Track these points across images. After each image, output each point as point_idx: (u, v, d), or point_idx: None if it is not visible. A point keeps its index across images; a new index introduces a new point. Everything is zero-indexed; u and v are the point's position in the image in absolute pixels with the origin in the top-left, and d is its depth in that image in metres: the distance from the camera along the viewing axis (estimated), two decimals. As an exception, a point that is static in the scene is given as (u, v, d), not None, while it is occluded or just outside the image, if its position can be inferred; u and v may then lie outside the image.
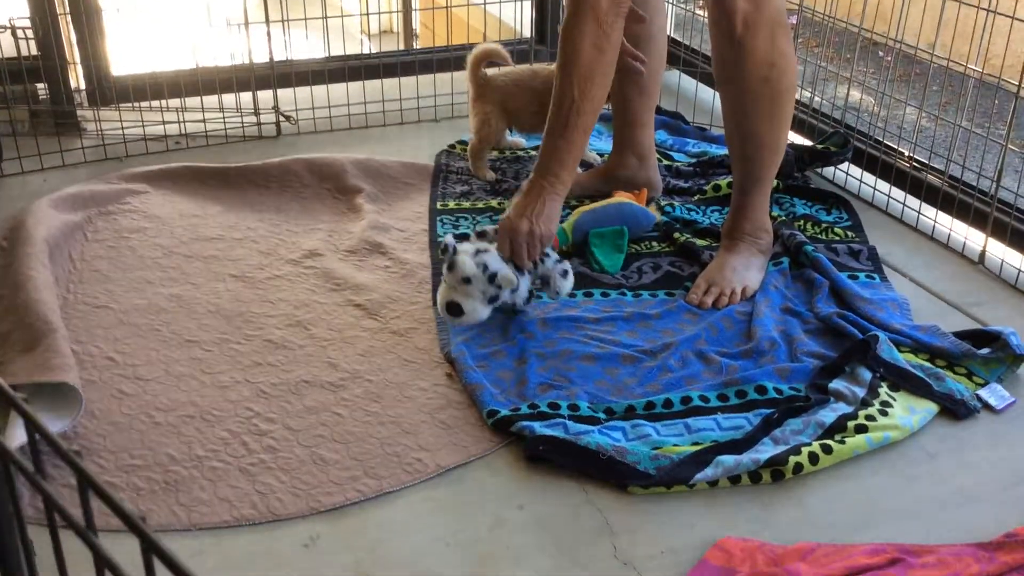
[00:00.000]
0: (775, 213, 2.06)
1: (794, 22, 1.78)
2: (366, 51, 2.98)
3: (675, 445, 1.42)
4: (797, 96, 1.82)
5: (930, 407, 1.52)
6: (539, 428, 1.43)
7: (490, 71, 2.24)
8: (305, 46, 2.75)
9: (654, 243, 2.00)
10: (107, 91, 2.53)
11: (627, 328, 1.72)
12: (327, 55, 2.67)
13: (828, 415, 1.47)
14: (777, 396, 1.53)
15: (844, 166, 2.28)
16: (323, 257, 1.94)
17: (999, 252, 1.95)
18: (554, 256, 1.72)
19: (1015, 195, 1.96)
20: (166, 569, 0.48)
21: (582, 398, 1.52)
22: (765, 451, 1.40)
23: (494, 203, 2.16)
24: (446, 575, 1.23)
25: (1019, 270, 1.88)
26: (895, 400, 1.51)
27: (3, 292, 1.74)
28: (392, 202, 2.19)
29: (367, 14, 3.06)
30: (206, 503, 1.32)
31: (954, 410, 1.51)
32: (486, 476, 1.39)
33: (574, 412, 1.49)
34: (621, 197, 2.02)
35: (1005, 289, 1.89)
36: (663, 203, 2.14)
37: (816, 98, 2.46)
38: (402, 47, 3.28)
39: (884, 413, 1.48)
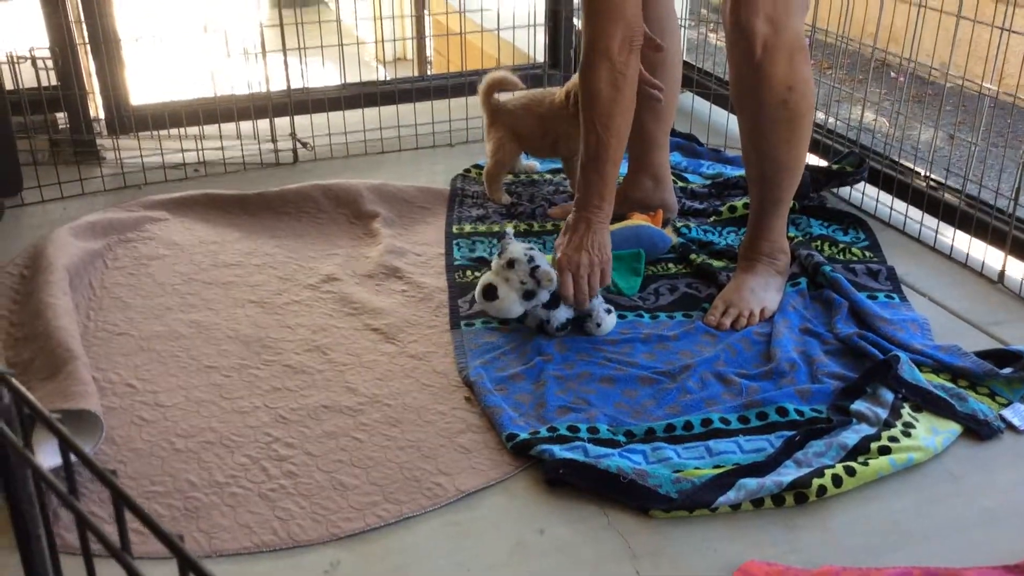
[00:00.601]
0: (792, 234, 2.06)
1: (807, 43, 1.78)
2: (381, 78, 3.00)
3: (697, 468, 1.41)
4: (813, 119, 1.82)
5: (953, 428, 1.50)
6: (559, 451, 1.42)
7: (503, 96, 2.25)
8: (321, 74, 2.78)
9: (671, 265, 2.00)
10: (126, 120, 2.56)
11: (645, 350, 1.71)
12: (343, 82, 2.69)
13: (851, 437, 1.46)
14: (798, 418, 1.52)
15: (860, 186, 2.27)
16: (340, 282, 1.94)
17: (1019, 271, 1.94)
18: (600, 294, 1.77)
19: (1034, 213, 1.95)
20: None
21: (602, 421, 1.51)
22: (788, 474, 1.39)
23: (509, 226, 2.16)
24: (468, 600, 1.22)
25: (1040, 289, 1.87)
26: (918, 421, 1.50)
27: (24, 320, 1.75)
28: (408, 226, 2.20)
29: (382, 41, 3.09)
30: (227, 529, 1.32)
31: (977, 431, 1.50)
32: (506, 500, 1.39)
33: (594, 435, 1.48)
34: (637, 219, 2.02)
35: (1026, 308, 1.87)
36: (679, 224, 2.14)
37: (830, 119, 2.46)
38: (416, 74, 3.30)
39: (907, 434, 1.46)
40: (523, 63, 2.97)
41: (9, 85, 2.32)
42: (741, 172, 2.30)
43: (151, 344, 1.74)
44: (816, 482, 1.36)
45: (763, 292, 1.82)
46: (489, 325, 1.78)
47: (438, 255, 2.06)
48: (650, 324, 1.80)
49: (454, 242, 2.10)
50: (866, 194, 2.26)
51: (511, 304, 1.69)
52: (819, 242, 2.05)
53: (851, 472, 1.39)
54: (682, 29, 2.81)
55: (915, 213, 2.16)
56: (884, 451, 1.43)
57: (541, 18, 2.89)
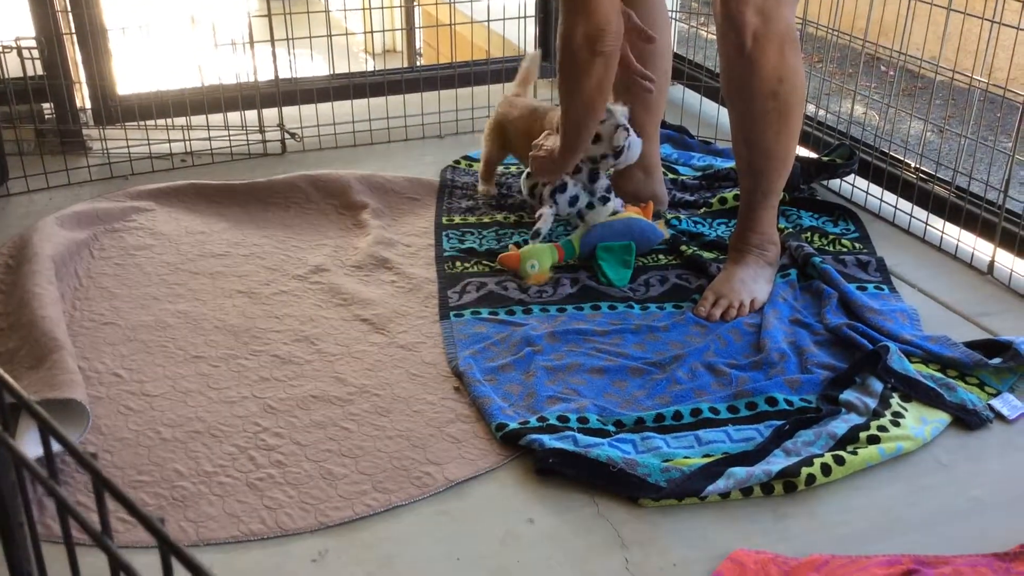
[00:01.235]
0: (782, 225, 2.06)
1: (797, 35, 1.78)
2: (370, 69, 2.99)
3: (686, 457, 1.41)
4: (803, 110, 1.82)
5: (942, 417, 1.51)
6: (548, 441, 1.42)
7: (514, 98, 2.22)
8: (309, 65, 2.76)
9: (661, 256, 1.99)
10: (112, 110, 2.54)
11: (635, 340, 1.71)
12: (331, 73, 2.68)
13: (840, 426, 1.46)
14: (788, 407, 1.52)
15: (850, 178, 2.28)
16: (329, 272, 1.93)
17: (1008, 262, 1.95)
18: (594, 187, 1.98)
19: (1023, 205, 1.96)
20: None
21: (591, 411, 1.51)
22: (777, 463, 1.39)
23: (500, 217, 2.16)
24: (457, 589, 1.22)
25: (1028, 280, 1.87)
26: (907, 411, 1.50)
27: (9, 309, 1.74)
28: (397, 217, 2.19)
29: (371, 32, 3.07)
30: (214, 518, 1.31)
31: (966, 420, 1.50)
32: (495, 490, 1.38)
33: (583, 425, 1.48)
34: (629, 212, 2.02)
35: (1014, 299, 1.88)
36: (669, 216, 2.14)
37: (821, 112, 2.46)
38: (406, 65, 3.29)
39: (896, 424, 1.47)
40: (513, 55, 2.96)
41: (-6, 74, 2.30)
42: (731, 164, 2.30)
43: (137, 334, 1.73)
44: (805, 471, 1.36)
45: (753, 283, 1.81)
46: (479, 316, 1.77)
47: (427, 246, 2.05)
48: (640, 315, 1.80)
49: (443, 233, 2.09)
50: (856, 186, 2.26)
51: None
52: (809, 233, 2.05)
53: (840, 461, 1.39)
54: (673, 21, 2.80)
55: (905, 205, 2.16)
56: (873, 440, 1.43)
57: (532, 10, 2.88)
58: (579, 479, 1.37)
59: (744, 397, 1.54)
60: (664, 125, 2.46)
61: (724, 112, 2.01)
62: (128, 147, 2.42)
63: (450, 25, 2.81)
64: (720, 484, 1.34)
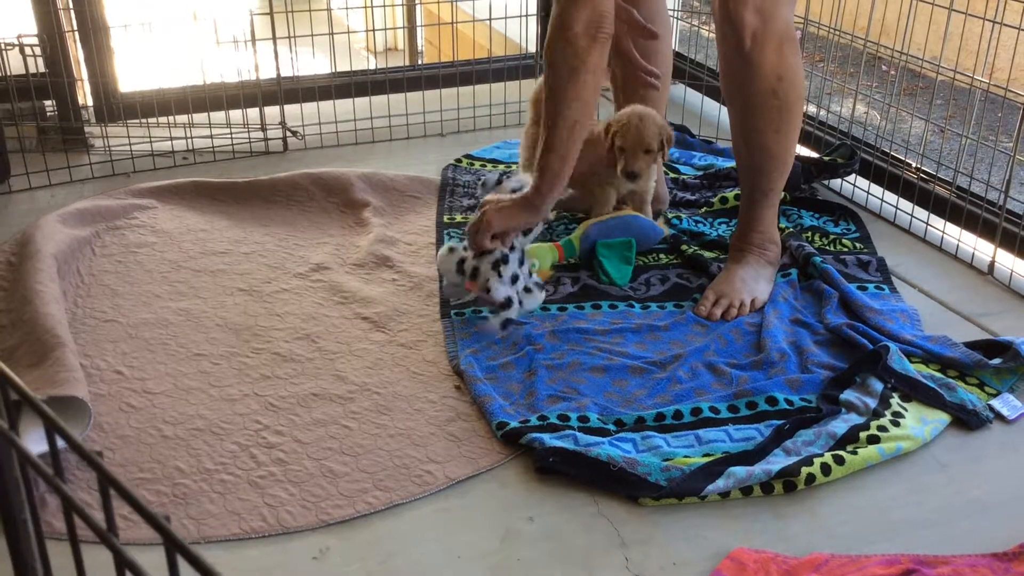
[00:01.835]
0: (783, 225, 2.06)
1: (798, 36, 1.78)
2: (372, 67, 2.99)
3: (686, 456, 1.42)
4: (803, 109, 1.82)
5: (942, 417, 1.51)
6: (549, 440, 1.42)
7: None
8: (311, 63, 2.76)
9: (662, 255, 1.99)
10: (114, 107, 2.54)
11: (636, 340, 1.71)
12: (333, 71, 2.68)
13: (840, 426, 1.46)
14: (788, 407, 1.52)
15: (851, 178, 2.28)
16: (330, 271, 1.93)
17: (1008, 263, 1.95)
18: (524, 270, 1.74)
19: None
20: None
21: (592, 410, 1.51)
22: (777, 462, 1.39)
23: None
24: (457, 587, 1.22)
25: (1029, 280, 1.88)
26: (907, 411, 1.50)
27: (11, 306, 1.74)
28: (399, 215, 2.19)
29: (373, 30, 3.08)
30: (216, 516, 1.32)
31: (966, 420, 1.50)
32: (496, 488, 1.38)
33: (584, 424, 1.48)
34: (629, 210, 2.02)
35: (1015, 299, 1.88)
36: (670, 215, 2.14)
37: (822, 111, 2.46)
38: (407, 63, 3.29)
39: (896, 424, 1.47)
40: (515, 53, 2.96)
41: (-3, 71, 2.30)
42: (732, 163, 2.30)
43: (139, 331, 1.73)
44: (805, 471, 1.37)
45: (754, 283, 1.82)
46: (480, 314, 1.77)
47: (428, 244, 2.05)
48: (641, 314, 1.80)
49: (445, 232, 2.09)
50: (857, 186, 2.26)
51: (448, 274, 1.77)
52: (810, 233, 2.05)
53: (840, 461, 1.39)
54: (674, 20, 2.80)
55: (906, 205, 2.17)
56: (873, 440, 1.43)
57: (533, 8, 2.88)
58: (579, 478, 1.38)
59: (744, 396, 1.54)
60: (665, 124, 2.46)
61: (725, 111, 2.01)
62: (130, 144, 2.42)
63: (452, 23, 2.81)
64: (720, 483, 1.35)
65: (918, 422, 1.49)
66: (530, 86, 2.81)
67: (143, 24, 2.45)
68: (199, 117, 2.52)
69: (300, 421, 1.50)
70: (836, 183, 2.32)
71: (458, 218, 2.15)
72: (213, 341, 1.71)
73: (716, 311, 1.78)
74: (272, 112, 2.54)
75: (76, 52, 2.49)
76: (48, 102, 2.47)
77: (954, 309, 1.84)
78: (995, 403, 1.54)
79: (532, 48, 2.95)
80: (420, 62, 3.53)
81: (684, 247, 1.99)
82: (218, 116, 2.51)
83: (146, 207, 2.17)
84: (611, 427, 1.48)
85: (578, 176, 1.95)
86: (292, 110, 2.56)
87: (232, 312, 1.80)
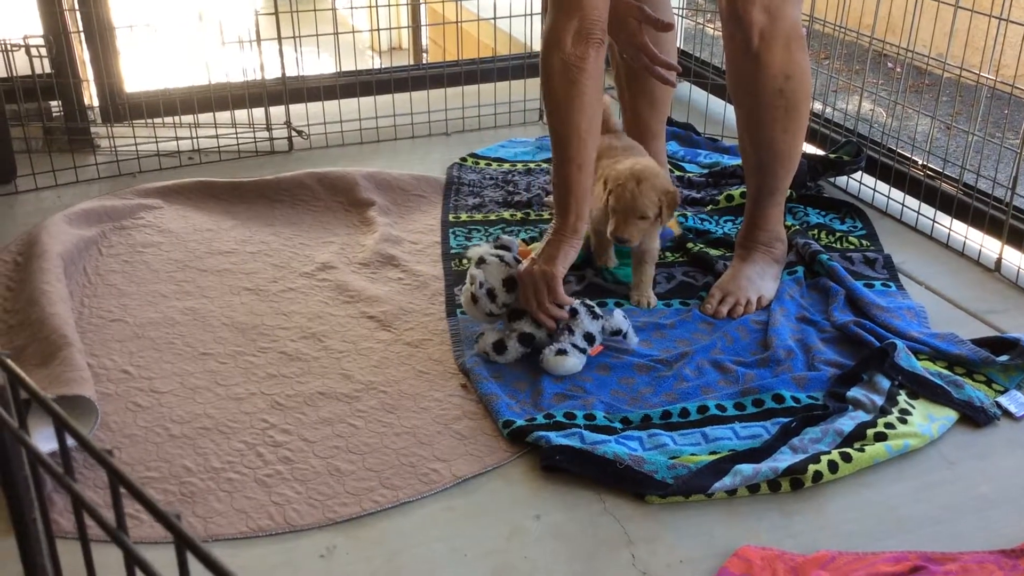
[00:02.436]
0: (789, 222, 2.06)
1: (804, 31, 1.78)
2: (376, 67, 2.99)
3: (693, 454, 1.41)
4: (810, 107, 1.82)
5: (950, 415, 1.50)
6: (555, 438, 1.42)
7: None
8: (316, 62, 2.77)
9: (667, 253, 1.99)
10: (120, 108, 2.55)
11: (642, 337, 1.71)
12: (338, 70, 2.68)
13: (847, 423, 1.46)
14: (795, 405, 1.52)
15: (857, 175, 2.27)
16: (336, 270, 1.94)
17: (1015, 259, 1.94)
18: (600, 321, 1.62)
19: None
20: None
21: (598, 408, 1.51)
22: (784, 460, 1.39)
23: (506, 215, 2.16)
24: (464, 586, 1.22)
25: (1036, 277, 1.87)
26: (914, 408, 1.50)
27: (19, 307, 1.75)
28: (404, 214, 2.19)
29: (378, 30, 3.08)
30: (223, 514, 1.32)
31: (974, 417, 1.50)
32: (502, 486, 1.39)
33: (590, 422, 1.48)
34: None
35: (1022, 296, 1.87)
36: (675, 214, 2.14)
37: (828, 109, 2.45)
38: (412, 63, 3.29)
39: (903, 421, 1.47)
40: (519, 52, 2.96)
41: (3, 73, 2.31)
42: (738, 161, 2.30)
43: (146, 331, 1.74)
44: (812, 468, 1.36)
45: (760, 280, 1.81)
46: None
47: (434, 243, 2.05)
48: (646, 312, 1.80)
49: (450, 230, 2.09)
50: (863, 183, 2.26)
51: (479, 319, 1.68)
52: (816, 231, 2.04)
53: (847, 458, 1.39)
54: (678, 19, 2.80)
55: (912, 202, 2.16)
56: (880, 437, 1.43)
57: (537, 7, 2.88)
58: (586, 476, 1.38)
59: (751, 394, 1.54)
60: (670, 122, 2.46)
61: (731, 109, 2.01)
62: (136, 145, 2.42)
63: (456, 23, 2.81)
64: (727, 481, 1.35)
65: (925, 419, 1.48)
66: (534, 85, 2.82)
67: (148, 24, 2.45)
68: (205, 117, 2.53)
69: (307, 420, 1.50)
70: (842, 180, 2.31)
71: (463, 217, 2.15)
72: (220, 340, 1.71)
73: (722, 309, 1.77)
74: (277, 112, 2.54)
75: (82, 53, 2.50)
76: (54, 103, 2.48)
77: (961, 306, 1.84)
78: (1002, 400, 1.54)
79: (536, 47, 2.95)
80: (424, 61, 3.53)
81: (690, 245, 1.98)
82: (223, 116, 2.51)
83: (152, 207, 2.17)
84: (617, 425, 1.48)
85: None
86: (297, 110, 2.57)
87: (238, 311, 1.80)
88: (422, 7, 3.94)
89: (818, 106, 2.46)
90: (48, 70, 2.37)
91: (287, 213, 2.19)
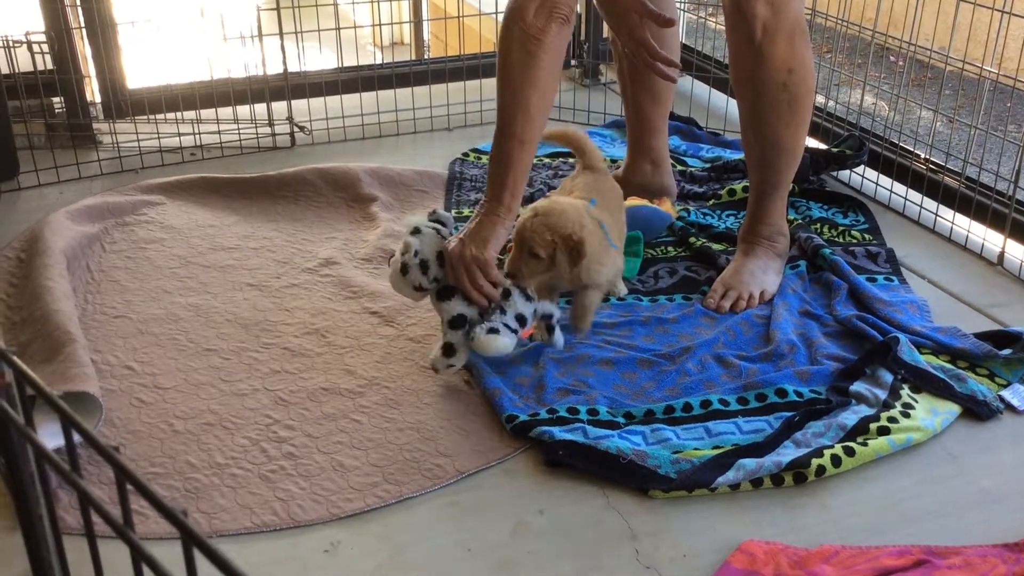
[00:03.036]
0: (791, 216, 2.05)
1: (807, 25, 1.78)
2: (378, 62, 2.99)
3: (696, 449, 1.42)
4: (813, 101, 1.82)
5: (952, 408, 1.51)
6: (558, 433, 1.42)
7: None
8: (318, 58, 2.76)
9: (670, 248, 1.99)
10: (122, 104, 2.55)
11: (644, 332, 1.71)
12: (340, 66, 2.68)
13: (850, 417, 1.46)
14: (797, 399, 1.52)
15: (860, 169, 2.27)
16: (339, 265, 1.94)
17: (1018, 253, 1.94)
18: (533, 304, 1.56)
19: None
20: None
21: (601, 402, 1.51)
22: (787, 454, 1.39)
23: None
24: (468, 580, 1.22)
25: (1039, 271, 1.87)
26: (917, 402, 1.50)
27: (22, 303, 1.75)
28: (407, 210, 2.19)
29: (379, 25, 3.07)
30: (227, 510, 1.32)
31: (977, 411, 1.50)
32: (506, 481, 1.39)
33: (593, 417, 1.48)
34: (634, 201, 2.02)
35: (1025, 290, 1.88)
36: (678, 208, 2.14)
37: (830, 103, 2.45)
38: (414, 58, 3.29)
39: (906, 415, 1.47)
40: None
41: (5, 69, 2.31)
42: (740, 155, 2.30)
43: (149, 327, 1.74)
44: (815, 462, 1.37)
45: (762, 275, 1.81)
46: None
47: (437, 238, 2.05)
48: (649, 307, 1.80)
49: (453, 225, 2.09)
50: (866, 177, 2.26)
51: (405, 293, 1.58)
52: (819, 225, 2.04)
53: (850, 452, 1.39)
54: (680, 13, 2.80)
55: (915, 196, 2.16)
56: (883, 432, 1.43)
57: (539, 1, 2.87)
58: (589, 471, 1.38)
59: (754, 389, 1.54)
60: (672, 117, 2.45)
61: (733, 103, 2.01)
62: (138, 141, 2.42)
63: (458, 17, 2.81)
64: (730, 475, 1.35)
65: (928, 413, 1.48)
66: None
67: (150, 20, 2.45)
68: (207, 113, 2.53)
69: (310, 415, 1.51)
70: (845, 174, 2.31)
71: (466, 212, 2.15)
72: (223, 336, 1.71)
73: (725, 303, 1.77)
74: (279, 107, 2.54)
75: (84, 49, 2.50)
76: (56, 99, 2.47)
77: (964, 300, 1.84)
78: (1005, 394, 1.54)
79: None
80: (426, 56, 3.53)
81: (692, 239, 1.98)
82: (226, 112, 2.51)
83: (155, 203, 2.17)
84: (620, 420, 1.49)
85: None
86: (299, 105, 2.57)
87: (242, 307, 1.80)
88: (424, 2, 3.94)
89: (820, 100, 2.46)
90: (50, 66, 2.37)
91: (290, 209, 2.19)
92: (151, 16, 2.44)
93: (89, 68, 2.52)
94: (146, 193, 2.21)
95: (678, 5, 2.33)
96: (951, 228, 2.06)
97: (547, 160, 2.42)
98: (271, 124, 2.53)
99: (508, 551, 1.26)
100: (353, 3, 3.06)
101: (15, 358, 0.66)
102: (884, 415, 1.46)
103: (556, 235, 1.53)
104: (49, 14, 2.34)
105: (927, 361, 1.58)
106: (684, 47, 2.83)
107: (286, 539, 1.29)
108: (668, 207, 2.06)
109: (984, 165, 2.04)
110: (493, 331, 1.51)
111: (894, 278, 1.88)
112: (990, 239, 2.00)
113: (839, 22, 2.32)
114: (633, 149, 2.16)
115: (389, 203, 2.19)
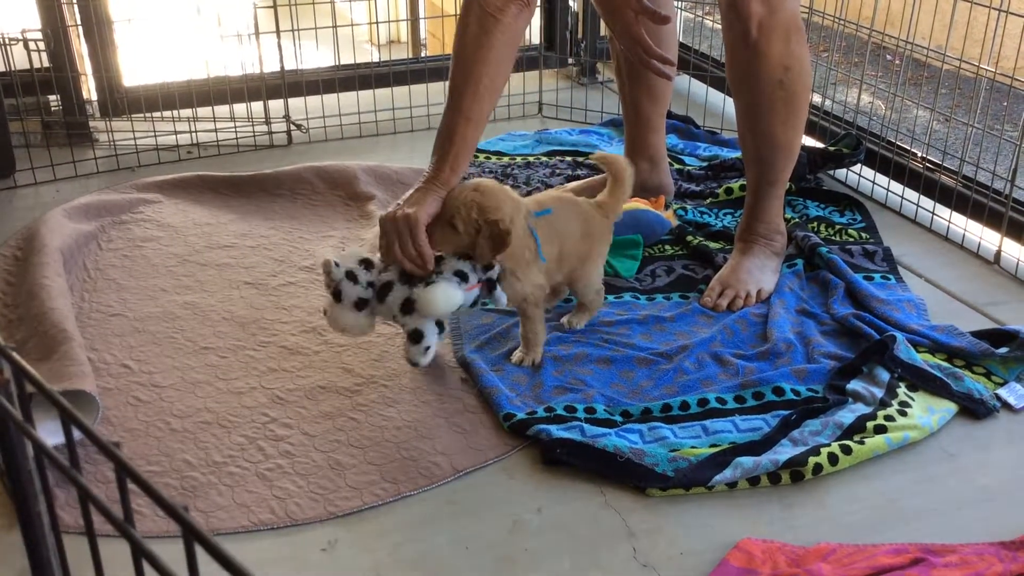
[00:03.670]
0: (788, 215, 2.06)
1: (803, 23, 1.78)
2: (375, 60, 2.99)
3: (693, 447, 1.42)
4: (809, 99, 1.82)
5: (949, 407, 1.51)
6: (556, 431, 1.42)
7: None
8: (315, 56, 2.76)
9: (667, 246, 1.99)
10: (119, 102, 2.54)
11: (642, 331, 1.71)
12: (337, 64, 2.68)
13: (847, 416, 1.46)
14: (794, 397, 1.53)
15: (856, 167, 2.27)
16: (336, 264, 1.93)
17: (1015, 251, 1.95)
18: (467, 262, 1.49)
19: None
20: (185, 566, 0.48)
21: (598, 401, 1.51)
22: (784, 452, 1.39)
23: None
24: (466, 578, 1.22)
25: (1035, 269, 1.87)
26: (914, 400, 1.50)
27: (18, 301, 1.75)
28: (404, 209, 2.18)
29: (376, 23, 3.07)
30: (224, 508, 1.32)
31: (973, 410, 1.50)
32: (503, 479, 1.39)
33: (591, 415, 1.48)
34: (636, 203, 2.02)
35: (1021, 288, 1.88)
36: (675, 207, 2.14)
37: (827, 101, 2.45)
38: (411, 56, 3.29)
39: (903, 413, 1.47)
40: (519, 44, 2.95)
41: (1, 67, 2.30)
42: (738, 154, 2.30)
43: (146, 325, 1.74)
44: (812, 460, 1.37)
45: (760, 273, 1.82)
46: (485, 307, 1.77)
47: (434, 237, 2.05)
48: (646, 305, 1.80)
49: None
50: (863, 175, 2.26)
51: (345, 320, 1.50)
52: (816, 223, 2.05)
53: (847, 451, 1.39)
54: (678, 11, 2.80)
55: (912, 194, 2.16)
56: (880, 430, 1.43)
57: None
58: (586, 469, 1.38)
59: (751, 387, 1.54)
60: (670, 115, 2.45)
61: (730, 102, 2.01)
62: (135, 139, 2.42)
63: (455, 15, 2.80)
64: (727, 474, 1.35)
65: (925, 411, 1.49)
66: (533, 78, 2.82)
67: (147, 18, 2.45)
68: (203, 111, 2.52)
69: (307, 414, 1.51)
70: (842, 173, 2.31)
71: (463, 210, 2.15)
72: (220, 334, 1.71)
73: (722, 302, 1.78)
74: (276, 105, 2.54)
75: (80, 47, 2.49)
76: (52, 97, 2.47)
77: (960, 298, 1.84)
78: (1002, 392, 1.54)
79: (535, 40, 2.94)
80: (423, 54, 3.52)
81: (689, 238, 1.99)
82: (222, 110, 2.51)
83: (151, 201, 2.17)
84: (618, 418, 1.49)
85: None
86: (296, 103, 2.56)
87: (238, 305, 1.80)
88: (420, 0, 3.94)
89: (817, 98, 2.46)
90: (46, 64, 2.37)
91: (286, 207, 2.18)
92: (148, 13, 2.44)
93: (85, 66, 2.51)
94: (143, 191, 2.21)
95: (675, 3, 2.33)
96: (948, 227, 2.06)
97: (544, 159, 2.42)
98: (268, 122, 2.53)
99: (506, 549, 1.26)
100: (350, 1, 3.06)
101: (14, 354, 0.66)
102: (881, 413, 1.46)
103: (483, 217, 1.46)
104: (45, 12, 2.33)
105: (924, 359, 1.59)
106: (681, 46, 2.83)
107: (284, 537, 1.28)
108: (669, 215, 2.06)
109: (981, 164, 2.05)
110: (431, 283, 1.45)
111: (891, 277, 1.88)
112: (987, 238, 2.00)
113: (836, 20, 2.32)
114: (631, 147, 2.16)
115: (386, 201, 2.19)
